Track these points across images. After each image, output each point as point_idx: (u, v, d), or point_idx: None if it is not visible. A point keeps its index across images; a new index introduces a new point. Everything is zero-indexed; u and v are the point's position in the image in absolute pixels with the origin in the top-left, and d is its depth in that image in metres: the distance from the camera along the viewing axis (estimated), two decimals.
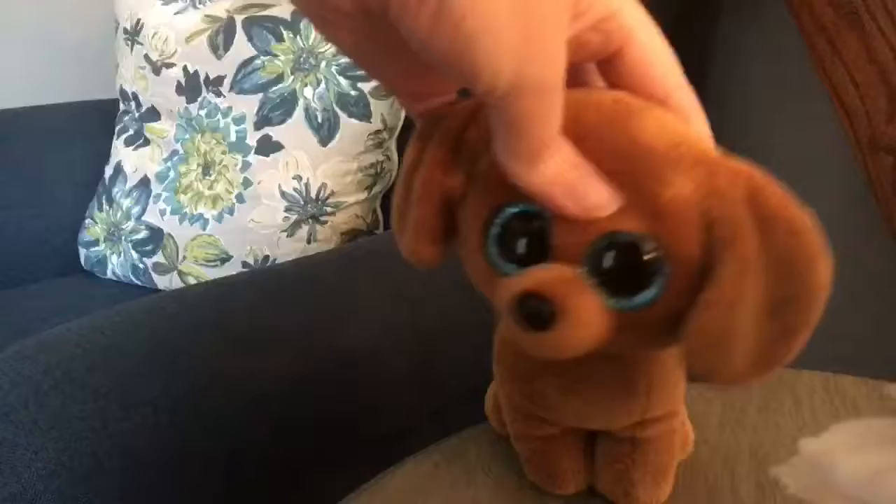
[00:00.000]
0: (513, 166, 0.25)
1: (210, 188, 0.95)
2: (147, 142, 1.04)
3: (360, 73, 0.90)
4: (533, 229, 0.26)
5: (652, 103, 0.26)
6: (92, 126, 1.15)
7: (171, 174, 1.00)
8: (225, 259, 0.94)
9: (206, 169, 0.96)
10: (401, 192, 0.30)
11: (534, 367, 0.32)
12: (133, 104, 1.06)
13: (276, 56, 0.93)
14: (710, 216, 0.24)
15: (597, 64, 0.27)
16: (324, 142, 0.90)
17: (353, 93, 0.90)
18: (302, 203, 0.91)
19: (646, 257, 0.24)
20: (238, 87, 0.95)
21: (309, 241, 0.92)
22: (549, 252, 0.25)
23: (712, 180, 0.24)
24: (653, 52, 0.26)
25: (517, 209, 0.26)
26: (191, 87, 0.98)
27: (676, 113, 0.27)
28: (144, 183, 1.02)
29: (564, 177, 0.25)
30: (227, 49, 0.96)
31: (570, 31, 0.23)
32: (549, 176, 0.24)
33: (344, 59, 0.90)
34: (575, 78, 0.27)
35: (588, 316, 0.24)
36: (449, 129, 0.28)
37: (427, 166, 0.28)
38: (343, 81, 0.90)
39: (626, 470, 0.33)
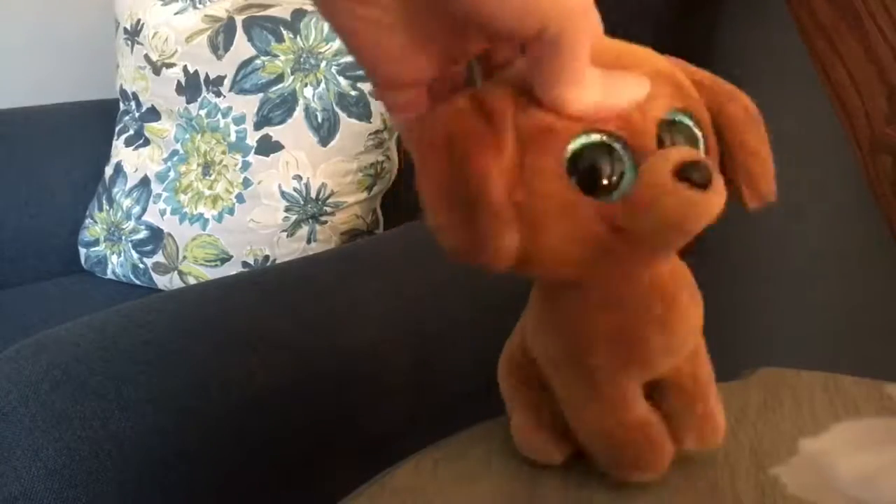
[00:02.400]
0: (567, 96, 0.28)
1: (210, 188, 0.95)
2: (147, 142, 1.04)
3: (360, 73, 0.90)
4: (604, 157, 0.29)
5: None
6: (92, 126, 1.15)
7: (172, 174, 1.00)
8: (225, 259, 0.94)
9: (206, 169, 0.96)
10: (447, 210, 0.29)
11: (632, 314, 0.32)
12: (133, 104, 1.06)
13: (276, 56, 0.93)
14: (696, 83, 0.32)
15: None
16: (324, 142, 0.90)
17: (353, 93, 0.90)
18: (302, 203, 0.91)
19: (692, 127, 0.31)
20: (238, 87, 0.95)
21: (309, 241, 0.92)
22: (633, 162, 0.29)
23: (679, 65, 0.33)
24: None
25: (587, 140, 0.29)
26: (191, 87, 0.98)
27: None
28: (144, 183, 1.02)
29: (605, 86, 0.29)
30: (227, 49, 0.96)
31: None
32: (596, 92, 0.28)
33: (344, 59, 0.90)
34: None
35: (720, 182, 0.29)
36: (472, 118, 0.29)
37: (476, 160, 0.28)
38: (343, 81, 0.90)
39: (706, 406, 0.35)
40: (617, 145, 0.29)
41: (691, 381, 0.35)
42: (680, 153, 0.28)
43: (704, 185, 0.28)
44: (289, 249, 0.91)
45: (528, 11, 0.25)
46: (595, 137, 0.29)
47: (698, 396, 0.35)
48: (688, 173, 0.28)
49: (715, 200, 0.28)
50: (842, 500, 0.35)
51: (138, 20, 1.04)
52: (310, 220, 0.91)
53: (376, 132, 0.91)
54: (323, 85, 0.91)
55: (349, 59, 0.90)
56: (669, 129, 0.30)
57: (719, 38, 1.03)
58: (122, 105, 1.09)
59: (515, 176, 0.28)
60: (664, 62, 0.32)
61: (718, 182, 0.28)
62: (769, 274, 1.00)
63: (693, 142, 0.31)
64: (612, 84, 0.29)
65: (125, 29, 1.06)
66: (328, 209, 0.91)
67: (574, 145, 0.29)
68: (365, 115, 0.91)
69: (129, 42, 1.05)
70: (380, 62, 0.29)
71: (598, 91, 0.28)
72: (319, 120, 0.91)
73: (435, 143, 0.29)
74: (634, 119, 0.29)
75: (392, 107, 0.31)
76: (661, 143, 0.30)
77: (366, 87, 0.90)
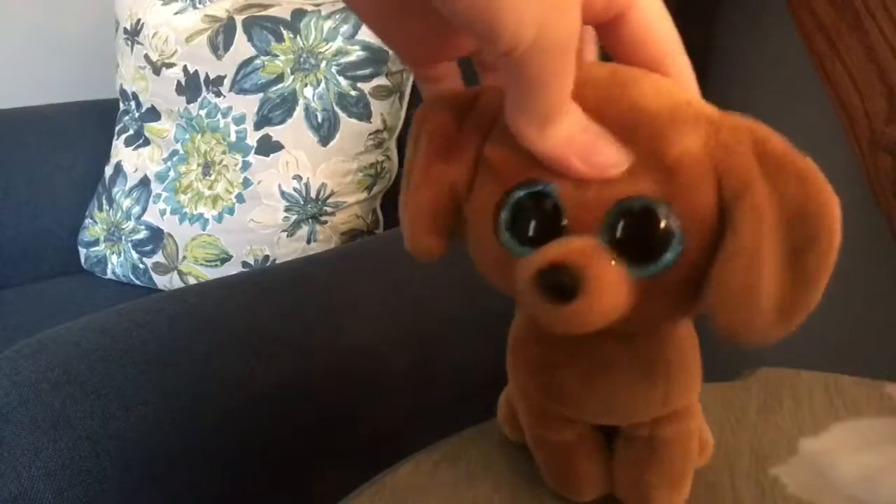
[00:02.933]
0: (526, 130, 0.25)
1: (210, 188, 0.95)
2: (147, 142, 1.04)
3: (360, 73, 0.90)
4: (545, 210, 0.26)
5: (647, 71, 0.27)
6: (92, 126, 1.15)
7: (171, 174, 1.00)
8: (225, 259, 0.94)
9: (206, 169, 0.96)
10: (403, 186, 0.30)
11: (554, 356, 0.31)
12: (133, 104, 1.06)
13: (276, 56, 0.93)
14: (719, 169, 0.24)
15: (596, 27, 0.28)
16: (324, 142, 0.90)
17: (353, 93, 0.90)
18: (302, 203, 0.91)
19: (661, 220, 0.25)
20: (238, 87, 0.95)
21: (309, 241, 0.92)
22: (564, 230, 0.25)
23: (717, 135, 0.25)
24: (654, 16, 0.27)
25: (528, 191, 0.26)
26: (191, 87, 0.98)
27: (674, 78, 0.27)
28: (144, 183, 1.02)
29: (576, 138, 0.25)
30: (227, 49, 0.96)
31: None
32: (562, 138, 0.25)
33: (344, 59, 0.90)
34: None
35: (611, 285, 0.24)
36: (445, 119, 0.28)
37: (424, 155, 0.29)
38: (343, 81, 0.90)
39: (644, 473, 0.32)
40: (558, 208, 0.26)
41: (642, 445, 0.32)
42: (555, 252, 0.24)
43: (566, 295, 0.24)
44: (289, 249, 0.91)
45: (499, 23, 0.21)
46: (538, 189, 0.26)
47: (642, 461, 0.32)
48: (547, 280, 0.24)
49: (581, 312, 0.24)
50: (842, 500, 0.35)
51: (138, 20, 1.04)
52: (310, 220, 0.91)
53: (376, 132, 0.91)
54: (323, 85, 0.91)
55: (349, 59, 0.90)
56: (638, 217, 0.25)
57: (719, 39, 1.03)
58: (122, 105, 1.09)
59: (465, 194, 0.28)
60: (685, 133, 0.25)
61: (596, 291, 0.24)
62: None
63: (656, 238, 0.25)
64: (587, 143, 0.25)
65: (125, 29, 1.06)
66: (328, 209, 0.91)
67: (515, 193, 0.26)
68: (365, 115, 0.91)
69: (129, 42, 1.05)
70: (401, 41, 0.29)
71: (566, 138, 0.25)
72: (319, 120, 0.91)
73: (412, 132, 0.30)
74: (587, 192, 0.25)
75: (422, 77, 0.30)
76: (613, 225, 0.25)
77: (366, 87, 0.90)
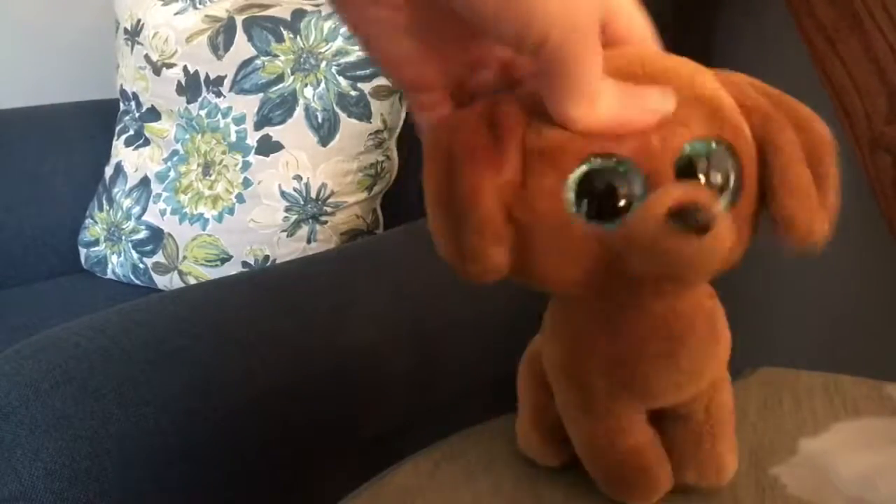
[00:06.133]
0: (575, 114, 0.26)
1: (210, 188, 0.95)
2: (147, 142, 1.04)
3: (360, 73, 0.90)
4: (617, 180, 0.27)
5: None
6: (92, 126, 1.15)
7: (172, 174, 1.00)
8: (225, 259, 0.94)
9: (207, 169, 0.96)
10: (441, 218, 0.29)
11: (630, 345, 0.31)
12: (133, 104, 1.06)
13: (276, 56, 0.93)
14: (744, 105, 0.29)
15: None
16: (324, 142, 0.90)
17: (353, 93, 0.90)
18: (302, 203, 0.91)
19: (721, 155, 0.28)
20: (238, 87, 0.95)
21: (309, 241, 0.92)
22: (646, 190, 0.27)
23: (727, 79, 0.30)
24: (635, 21, 0.29)
25: (594, 167, 0.27)
26: (191, 87, 0.98)
27: None
28: (145, 183, 1.02)
29: (621, 100, 0.27)
30: (227, 49, 0.96)
31: None
32: (609, 107, 0.27)
33: (344, 59, 0.90)
34: None
35: (727, 219, 0.27)
36: (477, 131, 0.28)
37: (471, 169, 0.27)
38: (343, 81, 0.90)
39: (715, 445, 0.34)
40: (630, 171, 0.27)
41: (703, 416, 0.34)
42: (680, 192, 0.26)
43: (701, 230, 0.25)
44: (289, 249, 0.91)
45: (528, 20, 0.24)
46: (605, 162, 0.27)
47: (707, 433, 0.34)
48: (682, 217, 0.25)
49: (713, 247, 0.26)
50: (842, 500, 0.35)
51: (138, 20, 1.04)
52: (310, 220, 0.91)
53: (376, 132, 0.91)
54: (323, 85, 0.91)
55: (349, 59, 0.90)
56: (706, 158, 0.28)
57: (718, 38, 1.03)
58: (122, 105, 1.09)
59: (517, 194, 0.28)
60: (707, 81, 0.29)
61: (722, 227, 0.26)
62: (769, 274, 1.00)
63: (725, 173, 0.28)
64: (630, 99, 0.27)
65: (125, 29, 1.06)
66: (328, 209, 0.91)
67: (581, 169, 0.27)
68: (365, 115, 0.91)
69: (130, 42, 1.05)
70: (395, 64, 0.29)
71: (611, 106, 0.27)
72: (319, 120, 0.91)
73: (437, 151, 0.29)
74: (652, 145, 0.27)
75: (415, 105, 0.31)
76: (689, 171, 0.27)
77: (366, 87, 0.90)
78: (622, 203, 0.27)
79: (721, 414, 0.34)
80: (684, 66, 0.29)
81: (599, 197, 0.27)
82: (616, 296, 0.30)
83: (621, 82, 0.27)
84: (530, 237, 0.28)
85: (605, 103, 0.27)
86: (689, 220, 0.25)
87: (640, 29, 0.29)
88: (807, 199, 0.28)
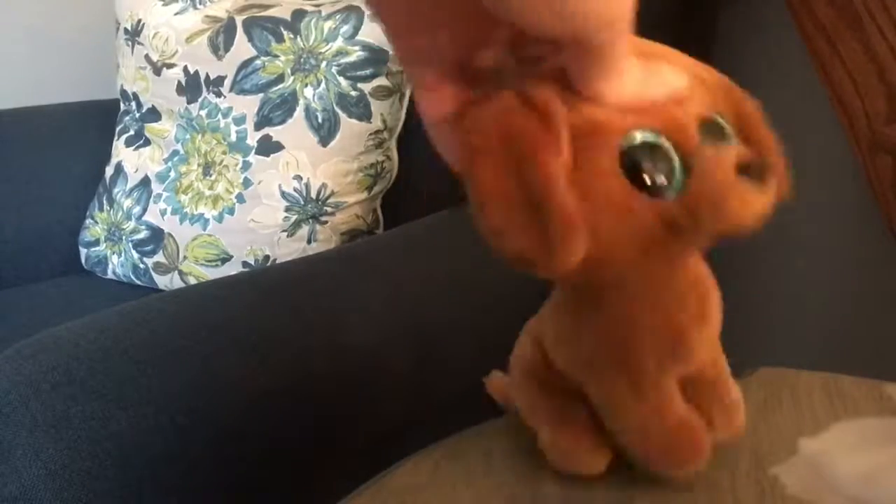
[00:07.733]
0: (605, 89, 0.28)
1: (210, 188, 0.95)
2: (147, 142, 1.05)
3: (361, 73, 0.90)
4: (658, 154, 0.29)
5: None
6: (92, 126, 1.15)
7: (172, 174, 1.00)
8: (225, 259, 0.94)
9: (207, 169, 0.96)
10: (505, 212, 0.28)
11: (677, 312, 0.33)
12: (133, 104, 1.06)
13: (276, 56, 0.93)
14: (727, 90, 0.32)
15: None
16: (324, 142, 0.90)
17: (353, 93, 0.90)
18: (302, 203, 0.91)
19: (725, 124, 0.31)
20: (238, 87, 0.95)
21: (309, 241, 0.92)
22: (680, 159, 0.29)
23: (698, 65, 0.33)
24: None
25: (635, 143, 0.29)
26: (191, 87, 0.98)
27: None
28: (145, 183, 1.02)
29: (643, 75, 0.29)
30: (227, 49, 0.96)
31: None
32: (634, 81, 0.29)
33: (344, 60, 0.90)
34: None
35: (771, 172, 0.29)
36: (529, 118, 0.28)
37: (542, 163, 0.27)
38: (343, 81, 0.90)
39: (730, 394, 0.36)
40: (665, 143, 0.29)
41: (715, 372, 0.36)
42: (737, 151, 0.29)
43: (762, 183, 0.28)
44: (289, 249, 0.91)
45: (564, 17, 0.25)
46: (646, 135, 0.29)
47: (723, 386, 0.36)
48: (749, 171, 0.28)
49: (770, 198, 0.29)
50: (842, 500, 0.35)
51: (139, 20, 1.04)
52: (310, 220, 0.91)
53: (376, 132, 0.91)
54: (323, 85, 0.91)
55: (349, 59, 0.90)
56: (708, 130, 0.30)
57: (719, 38, 1.03)
58: (122, 105, 1.09)
59: (570, 176, 0.28)
60: (693, 63, 0.32)
61: (772, 180, 0.29)
62: (769, 274, 1.00)
63: (727, 141, 0.31)
64: (650, 75, 0.29)
65: (125, 29, 1.06)
66: (328, 209, 0.91)
67: (625, 143, 0.28)
68: (365, 116, 0.91)
69: (130, 42, 1.05)
70: (400, 31, 0.29)
71: (637, 81, 0.29)
72: (319, 120, 0.91)
73: (489, 144, 0.28)
74: (678, 116, 0.29)
75: (419, 85, 0.30)
76: (708, 139, 0.30)
77: (366, 87, 0.90)
78: (666, 175, 0.29)
79: (722, 365, 0.36)
80: (672, 52, 0.32)
81: (648, 170, 0.28)
82: (657, 269, 0.32)
83: (643, 60, 0.29)
84: (588, 219, 0.28)
85: (633, 77, 0.29)
86: (754, 173, 0.28)
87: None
88: (780, 155, 0.32)
